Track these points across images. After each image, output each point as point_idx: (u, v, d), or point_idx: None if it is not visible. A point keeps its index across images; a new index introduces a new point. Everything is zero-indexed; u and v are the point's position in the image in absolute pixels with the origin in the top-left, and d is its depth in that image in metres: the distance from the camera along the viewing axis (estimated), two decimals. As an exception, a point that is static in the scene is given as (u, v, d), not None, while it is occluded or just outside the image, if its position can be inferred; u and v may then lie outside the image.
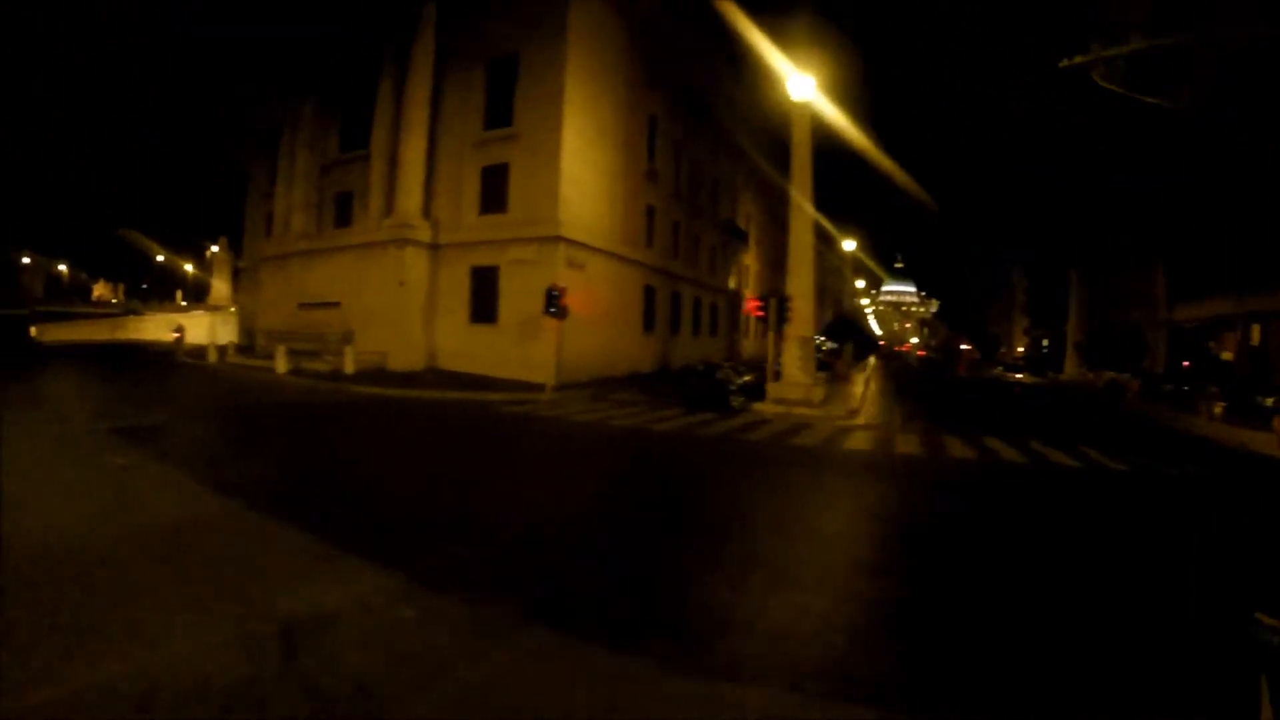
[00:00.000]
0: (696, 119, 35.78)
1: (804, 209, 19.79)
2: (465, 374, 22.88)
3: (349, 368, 22.21)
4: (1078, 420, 21.62)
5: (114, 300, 69.35)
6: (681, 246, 34.66)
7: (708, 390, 18.37)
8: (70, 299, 61.78)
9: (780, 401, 18.00)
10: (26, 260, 65.47)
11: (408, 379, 21.38)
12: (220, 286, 57.56)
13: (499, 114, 24.32)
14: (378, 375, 22.17)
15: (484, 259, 23.88)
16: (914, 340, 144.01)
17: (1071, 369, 50.15)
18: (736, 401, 18.04)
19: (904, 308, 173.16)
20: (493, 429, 13.59)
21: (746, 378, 19.81)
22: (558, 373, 20.58)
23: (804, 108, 19.63)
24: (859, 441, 13.36)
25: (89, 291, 72.64)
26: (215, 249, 58.01)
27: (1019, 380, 48.74)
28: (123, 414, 12.48)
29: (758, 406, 17.97)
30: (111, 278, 77.24)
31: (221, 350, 27.36)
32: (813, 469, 10.38)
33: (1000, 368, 60.63)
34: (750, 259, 48.96)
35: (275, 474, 8.33)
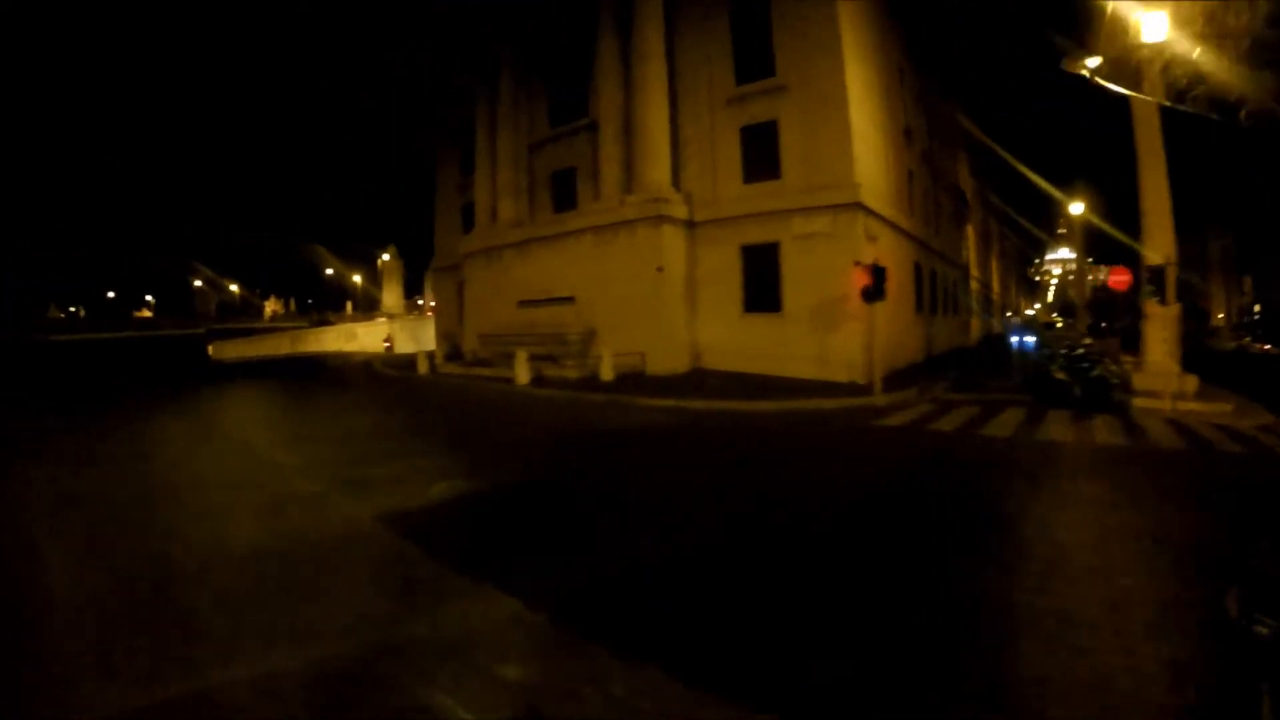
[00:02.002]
0: (929, 71, 29.93)
1: (1158, 164, 14.96)
2: (740, 374, 18.31)
3: (607, 373, 17.94)
4: None
5: (279, 313, 70.80)
6: (929, 216, 28.86)
7: (1091, 389, 14.08)
8: (242, 316, 62.81)
9: (1157, 395, 13.71)
10: (198, 283, 67.62)
11: (682, 385, 16.87)
12: (392, 294, 56.59)
13: (753, 64, 19.55)
14: (639, 381, 17.84)
15: (757, 235, 19.05)
16: None
17: (1322, 337, 41.27)
18: (1118, 398, 13.86)
19: (1070, 276, 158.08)
20: (946, 463, 8.77)
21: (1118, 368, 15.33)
22: (864, 368, 16.64)
23: (1155, 50, 14.85)
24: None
25: (261, 309, 74.27)
26: (385, 257, 57.52)
27: (1268, 351, 41.28)
28: (380, 475, 7.95)
29: (1137, 403, 13.63)
30: (281, 294, 79.29)
31: (429, 358, 23.88)
32: None
33: (1248, 337, 51.55)
34: (968, 229, 42.39)
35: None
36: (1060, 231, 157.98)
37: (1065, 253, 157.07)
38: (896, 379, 17.68)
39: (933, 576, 4.65)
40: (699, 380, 17.82)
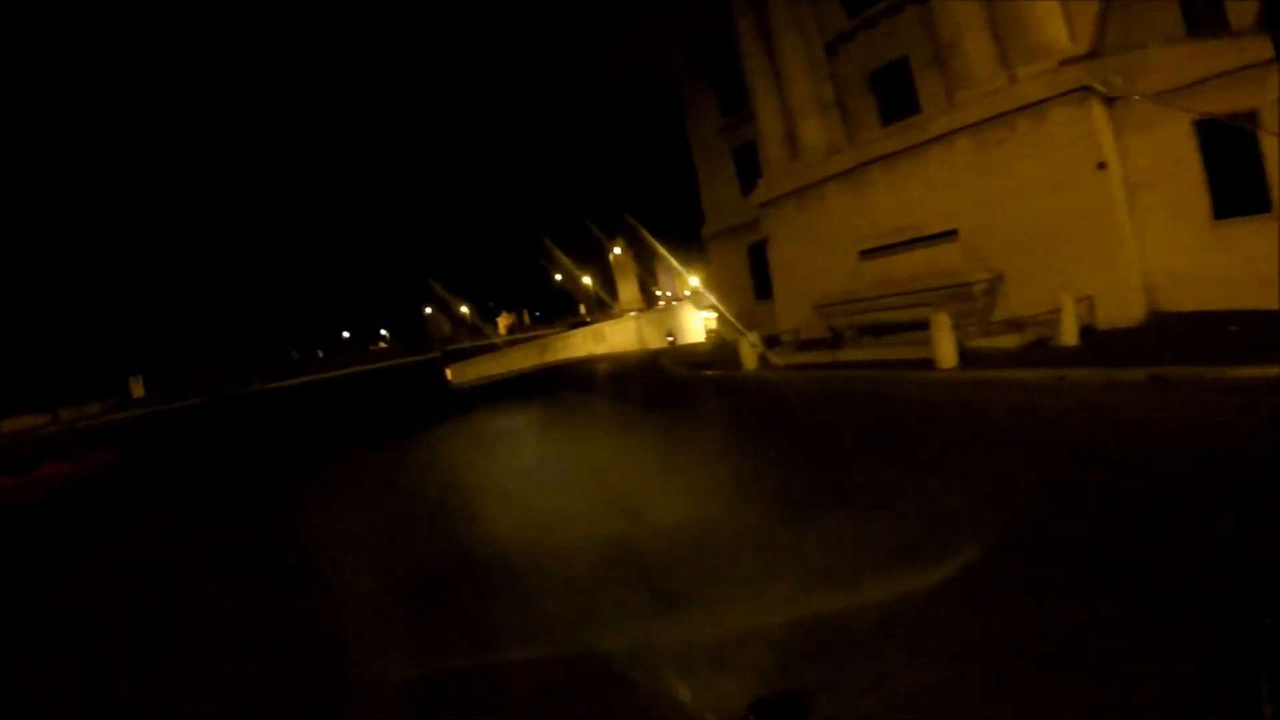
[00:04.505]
0: None
1: None
2: (1225, 313, 12.36)
3: (1070, 335, 12.85)
4: None
5: (514, 325, 72.83)
6: None
7: None
8: (476, 334, 64.45)
9: None
10: (428, 310, 71.93)
11: (1183, 338, 11.48)
12: (628, 289, 57.68)
13: None
14: (1096, 339, 12.75)
15: (1215, 104, 12.67)
16: None
17: None
18: None
19: None
20: None
21: None
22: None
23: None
24: None
25: (495, 324, 76.69)
26: (616, 251, 57.37)
27: None
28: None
29: None
30: (511, 307, 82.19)
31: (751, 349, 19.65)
32: None
33: None
34: None
35: None
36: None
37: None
38: None
39: None
40: (1199, 329, 12.04)
